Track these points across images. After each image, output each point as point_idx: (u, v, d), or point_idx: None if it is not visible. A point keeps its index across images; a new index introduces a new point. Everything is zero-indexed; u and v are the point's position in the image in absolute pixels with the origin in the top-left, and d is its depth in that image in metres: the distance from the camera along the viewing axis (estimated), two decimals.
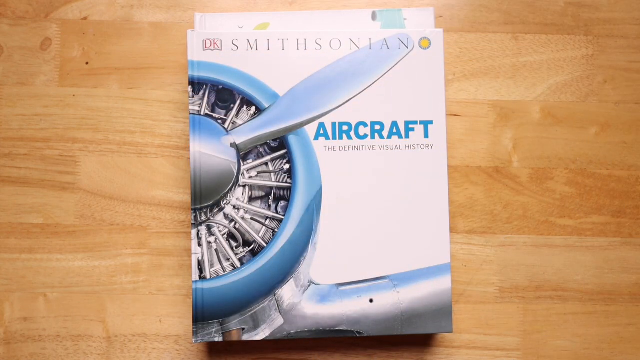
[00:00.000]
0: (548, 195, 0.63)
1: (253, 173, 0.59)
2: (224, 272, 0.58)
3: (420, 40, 0.60)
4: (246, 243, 0.58)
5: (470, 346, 0.62)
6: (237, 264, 0.58)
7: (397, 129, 0.59)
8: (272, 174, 0.59)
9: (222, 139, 0.59)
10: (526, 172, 0.63)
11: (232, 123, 0.59)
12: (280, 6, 0.64)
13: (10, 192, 0.62)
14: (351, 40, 0.59)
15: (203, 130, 0.58)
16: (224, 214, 0.59)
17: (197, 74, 0.59)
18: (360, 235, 0.59)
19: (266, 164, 0.59)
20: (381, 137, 0.59)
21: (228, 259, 0.58)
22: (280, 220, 0.58)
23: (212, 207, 0.58)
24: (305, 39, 0.59)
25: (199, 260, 0.58)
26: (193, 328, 0.57)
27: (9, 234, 0.62)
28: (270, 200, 0.59)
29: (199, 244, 0.58)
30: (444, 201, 0.59)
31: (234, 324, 0.58)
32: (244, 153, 0.59)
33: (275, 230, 0.58)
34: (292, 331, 0.58)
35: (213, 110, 0.59)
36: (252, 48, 0.59)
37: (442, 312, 0.58)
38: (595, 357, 0.62)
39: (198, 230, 0.58)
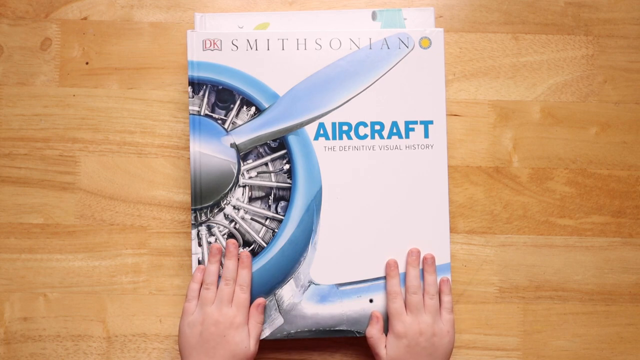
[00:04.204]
0: (548, 195, 0.63)
1: (253, 173, 0.59)
2: None
3: (420, 39, 0.59)
4: (246, 243, 0.59)
5: (470, 346, 0.62)
6: None
7: (397, 129, 0.59)
8: (272, 174, 0.59)
9: (222, 139, 0.59)
10: (526, 172, 0.63)
11: (232, 123, 0.59)
12: (280, 6, 0.64)
13: (10, 192, 0.62)
14: (351, 40, 0.59)
15: (203, 131, 0.58)
16: (224, 214, 0.59)
17: (197, 74, 0.59)
18: (360, 236, 0.59)
19: (266, 164, 0.59)
20: (381, 137, 0.59)
21: None
22: (280, 221, 0.58)
23: (212, 208, 0.58)
24: (305, 39, 0.59)
25: (199, 260, 0.58)
26: None
27: (9, 234, 0.62)
28: (270, 201, 0.59)
29: (199, 244, 0.58)
30: (444, 201, 0.59)
31: None
32: (244, 153, 0.59)
33: (275, 230, 0.58)
34: (292, 331, 0.58)
35: (213, 111, 0.59)
36: (252, 48, 0.59)
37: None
38: (595, 357, 0.62)
39: (198, 231, 0.58)
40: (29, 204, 0.62)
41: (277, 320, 0.58)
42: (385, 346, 0.56)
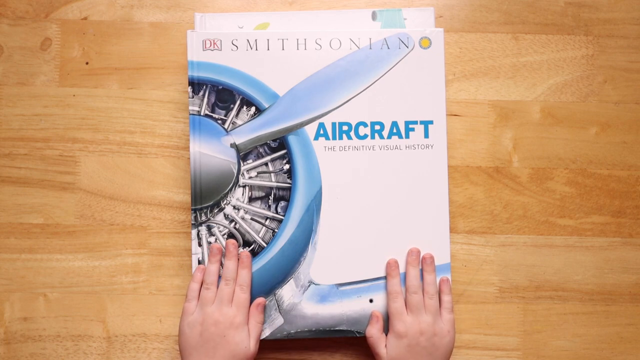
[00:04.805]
0: (548, 195, 0.63)
1: (253, 173, 0.59)
2: None
3: (420, 39, 0.59)
4: (246, 243, 0.59)
5: (470, 346, 0.62)
6: None
7: (397, 129, 0.59)
8: (272, 174, 0.59)
9: (222, 139, 0.59)
10: (526, 172, 0.63)
11: (232, 123, 0.59)
12: (280, 6, 0.64)
13: (10, 192, 0.62)
14: (351, 40, 0.59)
15: (203, 131, 0.58)
16: (224, 214, 0.59)
17: (197, 74, 0.59)
18: (360, 236, 0.59)
19: (266, 164, 0.59)
20: (381, 137, 0.59)
21: None
22: (280, 221, 0.58)
23: (212, 208, 0.58)
24: (305, 39, 0.59)
25: (199, 260, 0.58)
26: None
27: (9, 234, 0.62)
28: (270, 201, 0.59)
29: (199, 244, 0.58)
30: (444, 201, 0.59)
31: None
32: (244, 153, 0.59)
33: (275, 230, 0.58)
34: (292, 331, 0.58)
35: (213, 111, 0.59)
36: (252, 48, 0.59)
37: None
38: (595, 357, 0.62)
39: (198, 231, 0.58)
40: (29, 204, 0.62)
41: (277, 320, 0.58)
42: (386, 346, 0.56)
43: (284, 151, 0.59)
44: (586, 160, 0.64)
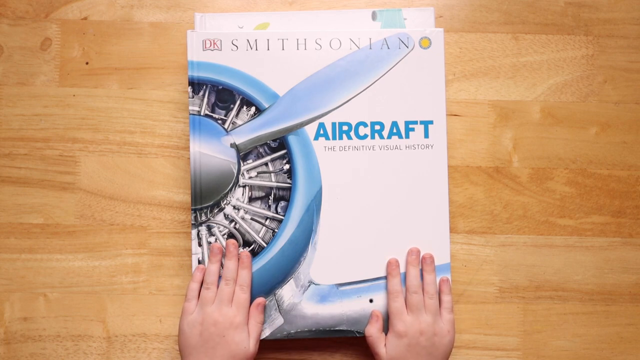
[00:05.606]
0: (548, 195, 0.63)
1: (253, 173, 0.59)
2: None
3: (420, 39, 0.59)
4: (246, 243, 0.59)
5: (470, 346, 0.62)
6: None
7: (397, 129, 0.59)
8: (272, 174, 0.59)
9: (222, 139, 0.59)
10: (526, 172, 0.63)
11: (232, 123, 0.59)
12: (280, 6, 0.64)
13: (10, 192, 0.62)
14: (351, 40, 0.59)
15: (203, 131, 0.58)
16: (224, 214, 0.59)
17: (197, 74, 0.59)
18: (360, 236, 0.59)
19: (266, 164, 0.59)
20: (381, 137, 0.59)
21: None
22: (280, 221, 0.58)
23: (212, 208, 0.58)
24: (305, 39, 0.59)
25: (199, 260, 0.58)
26: None
27: (9, 234, 0.62)
28: (270, 201, 0.59)
29: (199, 244, 0.58)
30: (444, 201, 0.59)
31: None
32: (244, 153, 0.59)
33: (275, 230, 0.58)
34: (292, 331, 0.58)
35: (213, 111, 0.59)
36: (252, 48, 0.59)
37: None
38: (595, 357, 0.62)
39: (198, 231, 0.58)
40: (29, 204, 0.62)
41: (277, 320, 0.58)
42: (385, 345, 0.56)
43: (284, 151, 0.59)
44: (586, 160, 0.64)
